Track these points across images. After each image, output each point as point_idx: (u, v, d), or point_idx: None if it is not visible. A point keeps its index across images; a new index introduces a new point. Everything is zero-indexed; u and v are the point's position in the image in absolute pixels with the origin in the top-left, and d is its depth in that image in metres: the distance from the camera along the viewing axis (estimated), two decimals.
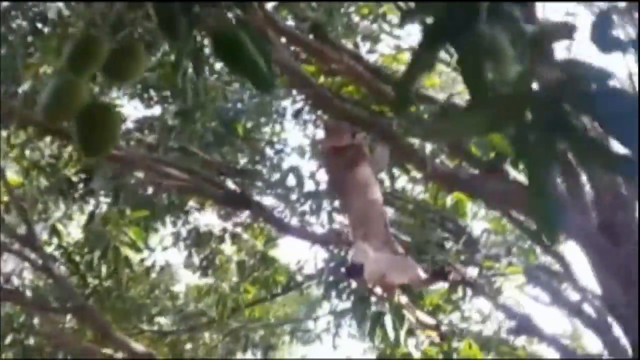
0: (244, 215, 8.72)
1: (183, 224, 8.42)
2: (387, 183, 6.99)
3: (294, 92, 8.23)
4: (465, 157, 5.00)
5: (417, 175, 7.45)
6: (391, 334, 6.71)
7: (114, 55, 1.77)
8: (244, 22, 2.04)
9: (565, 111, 1.33)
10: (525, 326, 6.32)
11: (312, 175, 6.38)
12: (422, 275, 3.99)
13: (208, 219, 8.59)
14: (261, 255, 6.93)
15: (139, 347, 6.40)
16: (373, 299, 6.95)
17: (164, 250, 7.88)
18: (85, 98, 1.72)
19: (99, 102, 1.92)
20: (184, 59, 2.06)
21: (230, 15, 2.07)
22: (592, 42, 1.47)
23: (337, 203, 6.13)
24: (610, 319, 6.47)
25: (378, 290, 5.00)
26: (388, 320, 6.53)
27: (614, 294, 6.33)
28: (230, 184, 6.09)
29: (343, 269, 6.12)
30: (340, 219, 6.33)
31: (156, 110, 8.32)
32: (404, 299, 6.89)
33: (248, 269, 6.62)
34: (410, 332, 7.02)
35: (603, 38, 1.48)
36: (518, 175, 5.00)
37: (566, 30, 1.52)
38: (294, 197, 6.23)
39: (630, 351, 6.36)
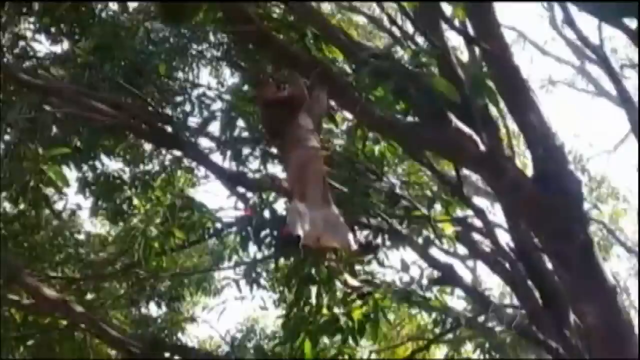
0: (157, 162, 8.39)
1: (90, 169, 7.98)
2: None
3: (211, 35, 7.93)
4: (410, 104, 4.96)
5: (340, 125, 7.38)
6: (315, 300, 6.63)
7: None
8: None
9: None
10: (448, 276, 6.44)
11: (242, 119, 6.15)
12: (352, 245, 3.95)
13: (116, 165, 8.19)
14: (188, 199, 6.68)
15: (51, 292, 6.04)
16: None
17: (75, 194, 7.45)
18: None
19: None
20: None
21: None
22: None
23: (270, 149, 5.96)
24: (523, 270, 6.70)
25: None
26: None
27: (528, 244, 6.54)
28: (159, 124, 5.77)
29: (279, 235, 5.88)
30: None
31: (64, 47, 7.79)
32: (333, 263, 6.84)
33: (177, 211, 6.36)
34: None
35: None
36: (460, 124, 5.02)
37: None
38: (223, 140, 6.00)
39: (540, 301, 6.64)
